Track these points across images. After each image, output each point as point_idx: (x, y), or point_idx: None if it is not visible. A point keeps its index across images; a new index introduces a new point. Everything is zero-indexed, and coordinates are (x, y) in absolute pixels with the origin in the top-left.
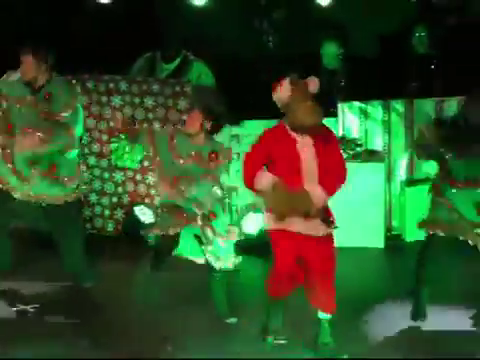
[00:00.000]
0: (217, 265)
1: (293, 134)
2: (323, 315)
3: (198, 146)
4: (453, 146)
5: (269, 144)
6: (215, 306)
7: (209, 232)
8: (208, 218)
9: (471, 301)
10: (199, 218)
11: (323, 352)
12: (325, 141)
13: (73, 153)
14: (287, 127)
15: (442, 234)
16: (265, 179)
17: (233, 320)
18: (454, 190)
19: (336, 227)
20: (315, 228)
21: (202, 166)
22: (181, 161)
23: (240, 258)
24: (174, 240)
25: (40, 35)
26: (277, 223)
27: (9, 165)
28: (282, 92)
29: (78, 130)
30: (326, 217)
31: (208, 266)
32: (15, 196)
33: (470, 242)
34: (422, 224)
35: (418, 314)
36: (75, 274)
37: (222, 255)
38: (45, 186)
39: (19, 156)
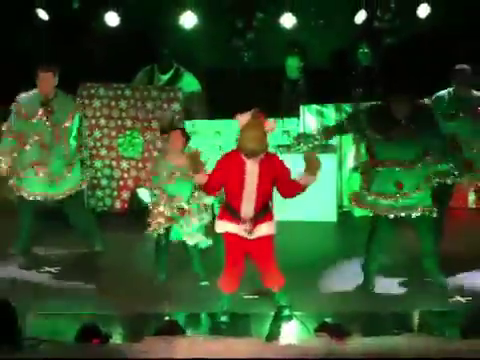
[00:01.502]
0: (191, 242)
1: (244, 158)
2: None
3: (178, 167)
4: (380, 130)
5: (224, 167)
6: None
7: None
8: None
9: (397, 269)
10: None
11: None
12: (270, 168)
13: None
14: (239, 151)
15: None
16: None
17: (205, 283)
18: (377, 170)
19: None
20: (245, 233)
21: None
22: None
23: (210, 240)
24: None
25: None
26: (222, 227)
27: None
28: (241, 119)
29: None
30: (247, 228)
31: (184, 245)
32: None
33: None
34: (352, 199)
35: (367, 285)
36: (88, 240)
37: (195, 234)
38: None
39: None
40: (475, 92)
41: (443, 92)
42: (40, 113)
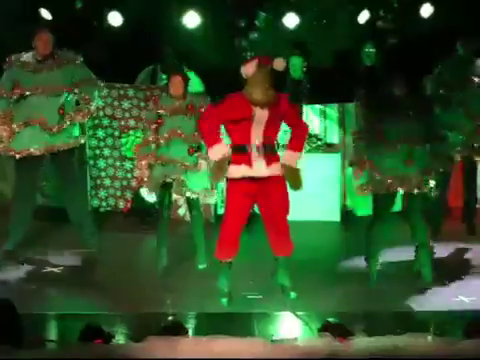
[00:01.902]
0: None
1: (251, 106)
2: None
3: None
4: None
5: (229, 109)
6: (195, 251)
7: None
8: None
9: (400, 269)
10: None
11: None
12: (278, 109)
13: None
14: (245, 97)
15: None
16: (217, 151)
17: (203, 266)
18: (384, 148)
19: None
20: (255, 169)
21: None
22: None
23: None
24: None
25: None
26: (233, 171)
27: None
28: (247, 68)
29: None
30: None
31: (188, 205)
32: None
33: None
34: (358, 190)
35: (372, 280)
36: (80, 229)
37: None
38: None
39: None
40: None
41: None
42: (35, 65)
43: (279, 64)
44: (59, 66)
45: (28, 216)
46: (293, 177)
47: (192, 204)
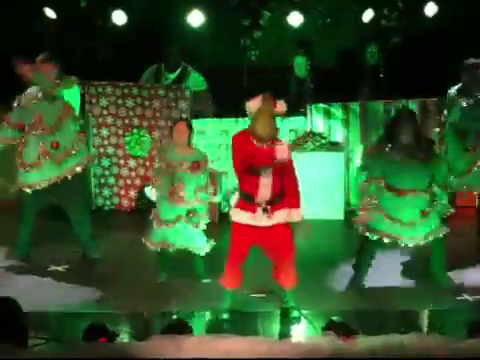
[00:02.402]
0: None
1: (254, 141)
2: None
3: (183, 156)
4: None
5: (239, 148)
6: (195, 269)
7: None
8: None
9: (404, 268)
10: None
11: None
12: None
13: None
14: (249, 134)
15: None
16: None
17: (207, 280)
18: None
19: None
20: (259, 219)
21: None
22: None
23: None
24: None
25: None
26: (237, 215)
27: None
28: (252, 104)
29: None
30: (266, 208)
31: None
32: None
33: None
34: (358, 222)
35: (356, 283)
36: (84, 246)
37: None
38: (56, 168)
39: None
40: None
41: (454, 91)
42: (39, 96)
43: (281, 107)
44: (53, 102)
45: (32, 226)
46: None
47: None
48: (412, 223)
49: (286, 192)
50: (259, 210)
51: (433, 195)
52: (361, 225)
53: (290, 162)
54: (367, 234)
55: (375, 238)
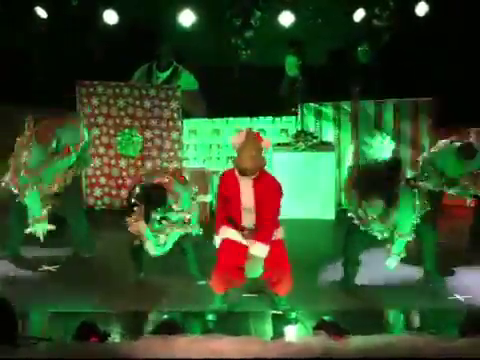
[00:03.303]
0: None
1: (238, 177)
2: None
3: None
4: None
5: (223, 187)
6: (189, 271)
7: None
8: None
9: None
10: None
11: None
12: (265, 187)
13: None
14: (235, 170)
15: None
16: (222, 234)
17: (202, 282)
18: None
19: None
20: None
21: None
22: None
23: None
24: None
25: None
26: (226, 233)
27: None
28: (237, 138)
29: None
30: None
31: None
32: None
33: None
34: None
35: (345, 284)
36: (77, 245)
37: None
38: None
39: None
40: None
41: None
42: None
43: (267, 143)
44: (68, 157)
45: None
46: (255, 266)
47: (182, 245)
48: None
49: (259, 224)
50: (245, 234)
51: None
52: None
53: (275, 199)
54: (354, 220)
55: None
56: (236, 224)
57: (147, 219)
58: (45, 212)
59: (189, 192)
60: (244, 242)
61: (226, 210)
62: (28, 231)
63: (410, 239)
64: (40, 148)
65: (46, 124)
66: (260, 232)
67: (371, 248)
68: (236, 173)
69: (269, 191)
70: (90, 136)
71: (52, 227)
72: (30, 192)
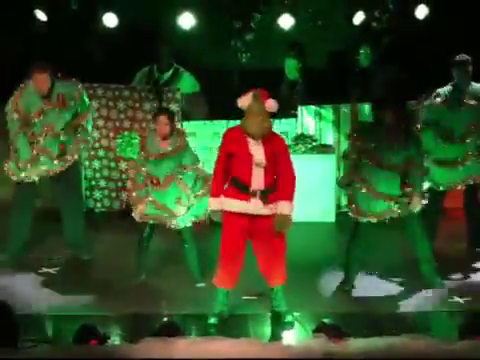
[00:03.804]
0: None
1: (247, 137)
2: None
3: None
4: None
5: (228, 143)
6: (189, 272)
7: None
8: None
9: (395, 271)
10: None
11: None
12: (273, 146)
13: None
14: (243, 130)
15: (366, 220)
16: (213, 204)
17: (202, 284)
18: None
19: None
20: (253, 207)
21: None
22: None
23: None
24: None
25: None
26: (229, 204)
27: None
28: (243, 101)
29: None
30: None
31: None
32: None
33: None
34: (352, 212)
35: (345, 284)
36: (75, 247)
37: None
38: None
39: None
40: (474, 84)
41: (443, 89)
42: (40, 109)
43: (271, 105)
44: (61, 107)
45: (27, 228)
46: (284, 223)
47: (183, 235)
48: (395, 196)
49: (279, 183)
50: (253, 199)
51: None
52: (351, 212)
53: (286, 155)
54: (358, 218)
55: (365, 220)
56: (243, 185)
57: None
58: (35, 153)
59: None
60: (250, 211)
61: (230, 169)
62: (22, 175)
63: (425, 173)
64: (35, 95)
65: (46, 75)
66: (284, 190)
67: (371, 251)
68: (243, 133)
69: (280, 147)
70: (92, 105)
71: (45, 169)
72: (20, 136)
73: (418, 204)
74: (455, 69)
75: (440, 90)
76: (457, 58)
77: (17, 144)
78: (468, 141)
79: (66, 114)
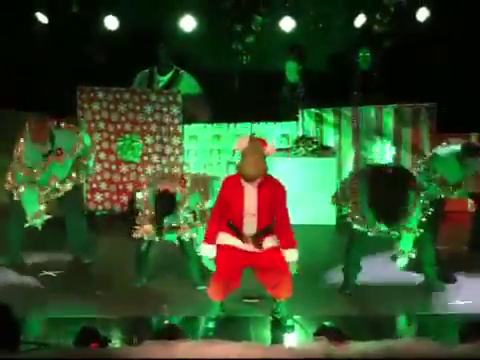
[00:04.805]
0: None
1: (243, 183)
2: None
3: None
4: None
5: (225, 190)
6: (189, 276)
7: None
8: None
9: (396, 273)
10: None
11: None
12: (270, 194)
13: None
14: (240, 176)
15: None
16: (221, 240)
17: (203, 288)
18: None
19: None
20: (249, 247)
21: None
22: None
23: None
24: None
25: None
26: (224, 239)
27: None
28: (240, 144)
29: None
30: (259, 243)
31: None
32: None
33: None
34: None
35: (345, 288)
36: (76, 251)
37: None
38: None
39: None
40: None
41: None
42: (42, 166)
43: (270, 148)
44: (62, 159)
45: (23, 234)
46: (293, 268)
47: (183, 242)
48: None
49: (279, 232)
50: (246, 242)
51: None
52: (352, 221)
53: (283, 204)
54: (355, 226)
55: (364, 230)
56: (236, 230)
57: (159, 224)
58: (43, 207)
59: (196, 197)
60: (243, 248)
61: (225, 215)
62: (27, 225)
63: (418, 235)
64: (34, 147)
65: (42, 123)
66: (285, 238)
67: (371, 253)
68: (240, 178)
69: (276, 195)
70: (93, 143)
71: (49, 216)
72: (25, 188)
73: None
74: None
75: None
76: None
77: (24, 201)
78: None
79: (68, 162)
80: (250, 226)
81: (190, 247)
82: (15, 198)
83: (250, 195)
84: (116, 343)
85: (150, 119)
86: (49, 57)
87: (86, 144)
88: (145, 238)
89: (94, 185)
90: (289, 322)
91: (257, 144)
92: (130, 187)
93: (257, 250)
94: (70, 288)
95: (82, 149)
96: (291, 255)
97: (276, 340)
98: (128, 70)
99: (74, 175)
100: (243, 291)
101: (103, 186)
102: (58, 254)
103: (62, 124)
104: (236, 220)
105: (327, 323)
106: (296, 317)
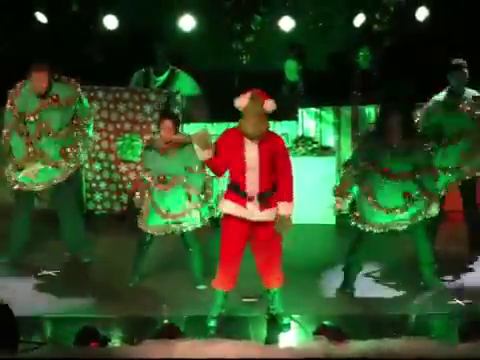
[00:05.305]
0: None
1: (244, 138)
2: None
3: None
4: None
5: (223, 141)
6: (192, 273)
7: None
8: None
9: (396, 273)
10: None
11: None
12: (271, 148)
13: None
14: (239, 130)
15: (369, 229)
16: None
17: (202, 287)
18: (383, 180)
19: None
20: (253, 213)
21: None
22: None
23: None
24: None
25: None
26: (227, 207)
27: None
28: (241, 101)
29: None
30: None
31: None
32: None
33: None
34: (354, 219)
35: (345, 287)
36: (75, 250)
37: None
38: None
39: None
40: (468, 89)
41: (439, 95)
42: (36, 109)
43: (270, 105)
44: (56, 106)
45: (27, 231)
46: (285, 225)
47: (186, 239)
48: (397, 208)
49: (278, 185)
50: (250, 203)
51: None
52: (354, 220)
53: (285, 156)
54: (360, 226)
55: (367, 229)
56: (240, 192)
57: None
58: (31, 150)
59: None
60: (248, 217)
61: (225, 165)
62: (20, 176)
63: (437, 175)
64: (32, 95)
65: (44, 70)
66: (284, 191)
67: (371, 254)
68: (242, 134)
69: (277, 147)
70: (92, 108)
71: (41, 166)
72: (14, 134)
73: (436, 209)
74: (451, 74)
75: (436, 97)
76: (453, 62)
77: (11, 142)
78: (460, 143)
79: (62, 115)
80: (253, 183)
81: (194, 244)
82: (16, 187)
83: (251, 150)
84: (116, 342)
85: (150, 119)
86: (48, 56)
87: (85, 105)
88: (148, 232)
89: (93, 184)
90: (285, 320)
91: (258, 102)
92: (130, 187)
93: (260, 216)
94: (70, 287)
95: (80, 109)
96: (285, 208)
97: (275, 339)
98: (128, 69)
99: (72, 134)
100: (242, 291)
101: (102, 185)
102: (58, 253)
103: (62, 77)
104: (238, 176)
105: (327, 322)
106: (295, 316)
